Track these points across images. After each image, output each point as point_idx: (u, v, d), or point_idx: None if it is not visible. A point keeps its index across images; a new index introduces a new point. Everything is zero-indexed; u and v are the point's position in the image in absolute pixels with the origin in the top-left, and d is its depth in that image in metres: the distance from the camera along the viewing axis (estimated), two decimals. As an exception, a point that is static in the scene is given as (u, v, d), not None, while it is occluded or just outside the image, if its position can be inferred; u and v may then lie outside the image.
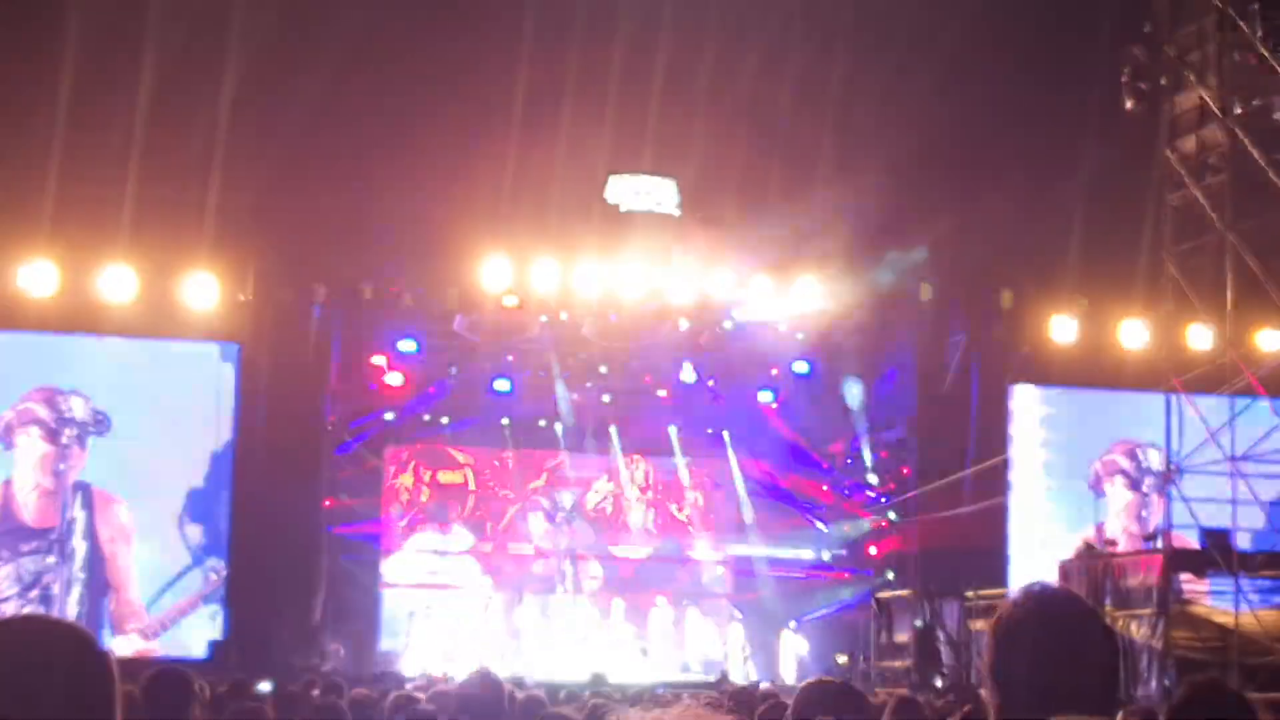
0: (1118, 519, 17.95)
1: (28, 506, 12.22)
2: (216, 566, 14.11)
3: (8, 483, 12.87)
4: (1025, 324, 17.85)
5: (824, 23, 15.58)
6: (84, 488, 12.99)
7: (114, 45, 15.11)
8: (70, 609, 11.98)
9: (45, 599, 11.92)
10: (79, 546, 12.01)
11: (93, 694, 2.06)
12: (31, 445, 12.81)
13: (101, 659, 2.13)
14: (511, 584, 20.07)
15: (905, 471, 18.76)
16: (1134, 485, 17.97)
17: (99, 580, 12.34)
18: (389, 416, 19.80)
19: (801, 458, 20.25)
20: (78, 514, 12.27)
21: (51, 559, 11.97)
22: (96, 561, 12.28)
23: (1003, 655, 2.35)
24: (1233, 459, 14.21)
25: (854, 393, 19.20)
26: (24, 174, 15.36)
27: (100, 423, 13.53)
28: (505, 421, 20.47)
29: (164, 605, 13.54)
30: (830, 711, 3.64)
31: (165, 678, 4.94)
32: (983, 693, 2.43)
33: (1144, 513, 17.68)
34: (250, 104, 15.79)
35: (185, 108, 15.50)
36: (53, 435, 12.79)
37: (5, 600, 11.64)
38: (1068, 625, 2.35)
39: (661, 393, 20.55)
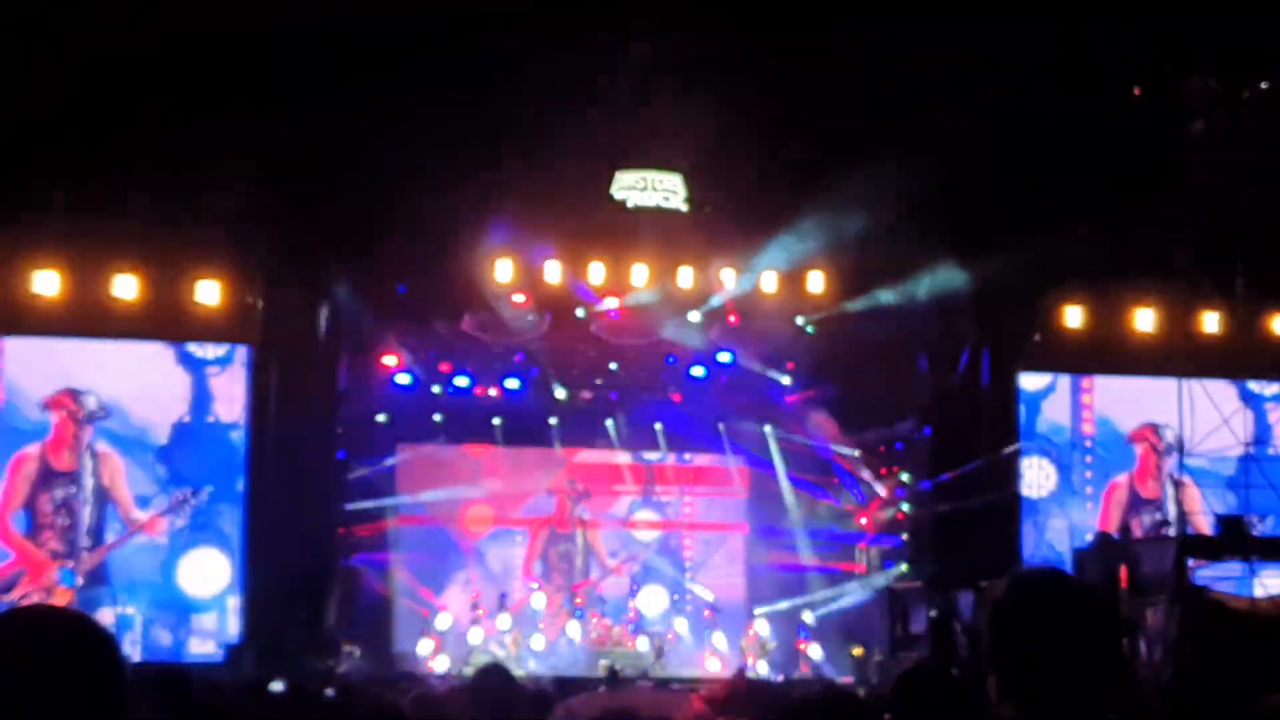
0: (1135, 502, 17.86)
1: (57, 459, 16.33)
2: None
3: (44, 443, 16.32)
4: (1035, 311, 17.79)
5: (832, 13, 15.52)
6: (92, 446, 16.45)
7: (118, 49, 15.13)
8: (86, 517, 16.27)
9: (71, 512, 16.24)
10: (89, 481, 16.33)
11: (99, 685, 2.05)
12: (60, 421, 16.37)
13: (109, 648, 2.11)
14: (527, 581, 20.06)
15: (917, 461, 18.71)
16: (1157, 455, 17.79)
17: (103, 497, 16.43)
18: (400, 416, 19.81)
19: (814, 451, 20.20)
20: (88, 462, 16.36)
21: (73, 488, 16.32)
22: (101, 487, 16.45)
23: (997, 640, 2.37)
24: (1246, 444, 14.18)
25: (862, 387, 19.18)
26: (32, 180, 15.42)
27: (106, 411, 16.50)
28: (502, 420, 20.44)
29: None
30: (928, 699, 3.67)
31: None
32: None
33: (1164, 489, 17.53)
34: (256, 105, 15.79)
35: (190, 109, 15.50)
36: (74, 416, 16.38)
37: (45, 516, 16.23)
38: (1057, 605, 2.37)
39: (672, 389, 20.53)
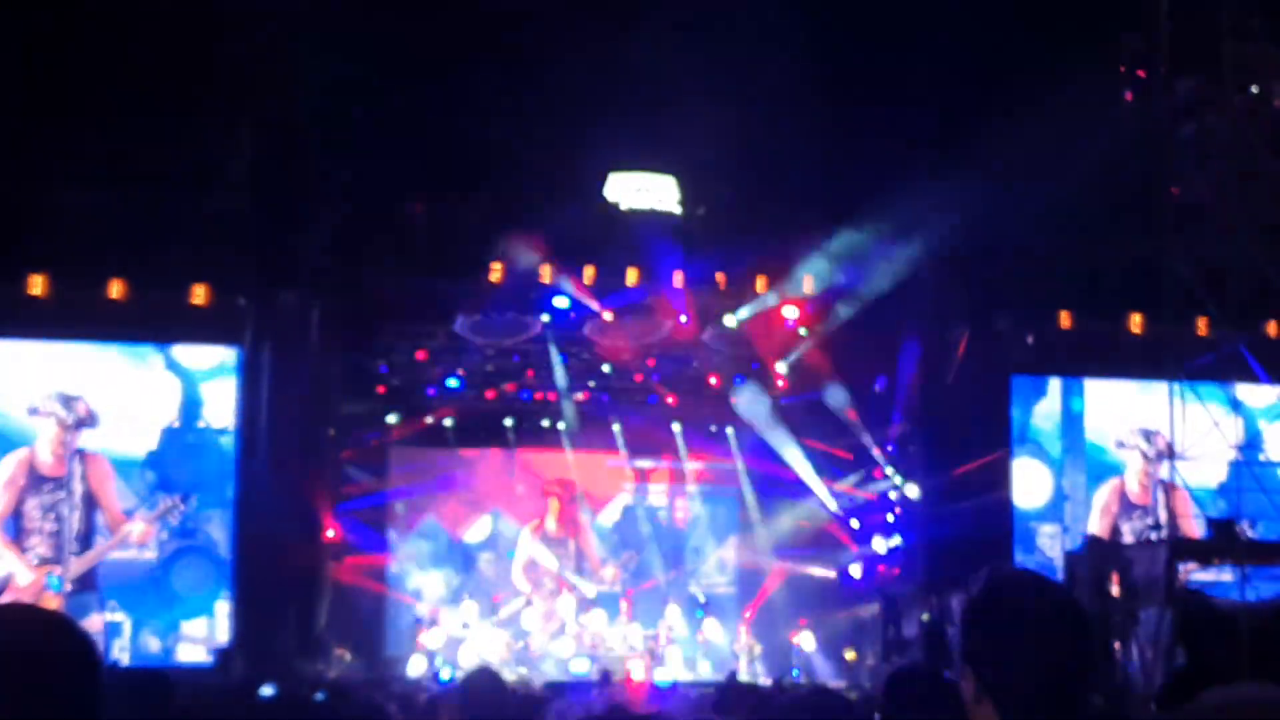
0: (1125, 506, 17.87)
1: (45, 464, 16.21)
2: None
3: (32, 448, 16.21)
4: (1028, 314, 17.80)
5: (827, 13, 15.54)
6: (80, 452, 16.33)
7: (115, 50, 15.10)
8: (75, 522, 16.14)
9: (59, 518, 16.13)
10: (78, 486, 16.21)
11: (77, 684, 2.03)
12: (48, 427, 16.26)
13: (85, 647, 2.10)
14: (519, 583, 20.01)
15: (909, 465, 18.70)
16: (1147, 462, 17.84)
17: (91, 503, 16.33)
18: (392, 419, 19.79)
19: (806, 453, 20.19)
20: (76, 467, 16.22)
21: (61, 493, 16.18)
22: (89, 493, 16.37)
23: (974, 640, 2.36)
24: (1238, 448, 14.18)
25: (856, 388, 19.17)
26: (24, 181, 15.37)
27: (91, 416, 16.39)
28: (508, 422, 20.46)
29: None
30: (918, 699, 3.66)
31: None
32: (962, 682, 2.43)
33: (1155, 493, 17.55)
34: (250, 105, 15.77)
35: (187, 110, 15.48)
36: (62, 423, 16.32)
37: (33, 522, 16.13)
38: (1030, 605, 2.37)
39: (666, 392, 20.52)
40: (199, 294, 16.37)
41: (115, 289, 16.10)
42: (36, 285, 15.91)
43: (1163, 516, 15.16)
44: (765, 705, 6.73)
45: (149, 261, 16.08)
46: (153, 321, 16.33)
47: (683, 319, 18.19)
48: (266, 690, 10.93)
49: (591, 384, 20.23)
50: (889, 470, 19.04)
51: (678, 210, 17.66)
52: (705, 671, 18.96)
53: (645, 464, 21.27)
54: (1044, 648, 2.31)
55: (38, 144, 15.38)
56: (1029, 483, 18.00)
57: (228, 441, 16.69)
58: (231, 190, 15.75)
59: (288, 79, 15.45)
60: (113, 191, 15.56)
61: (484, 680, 5.69)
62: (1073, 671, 2.32)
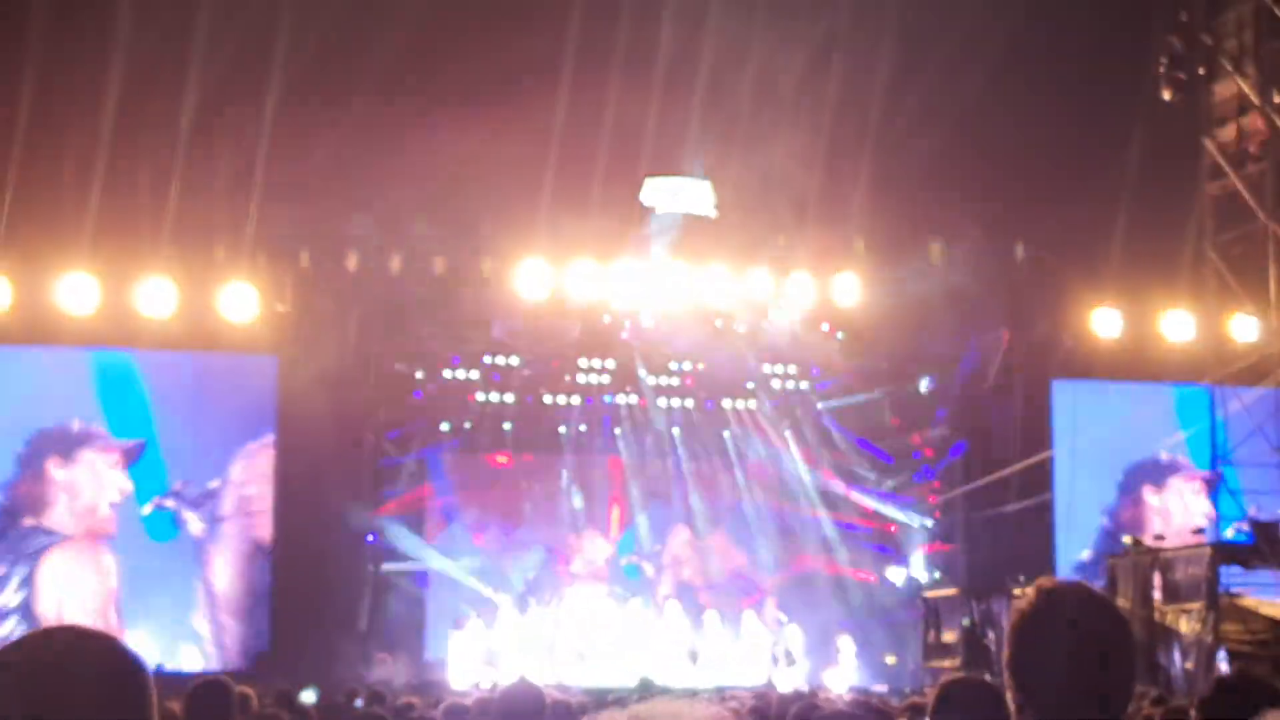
0: (1168, 510, 17.75)
1: None
2: None
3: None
4: (1068, 318, 17.68)
5: (862, 20, 15.52)
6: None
7: (155, 61, 15.22)
8: None
9: None
10: None
11: (129, 707, 2.05)
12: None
13: (138, 672, 2.12)
14: (560, 588, 20.03)
15: (950, 469, 18.62)
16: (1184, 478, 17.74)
17: None
18: (428, 424, 19.82)
19: (844, 457, 20.13)
20: None
21: None
22: None
23: (1020, 652, 2.37)
24: (1280, 450, 14.06)
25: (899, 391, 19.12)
26: (64, 188, 15.50)
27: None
28: (532, 427, 20.44)
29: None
30: (969, 709, 3.67)
31: (207, 688, 4.97)
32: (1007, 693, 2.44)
33: (1192, 504, 17.45)
34: (289, 119, 15.87)
35: (225, 122, 15.58)
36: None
37: None
38: (1083, 620, 2.37)
39: (702, 395, 20.49)
40: (239, 301, 16.42)
41: (157, 296, 16.15)
42: (78, 293, 15.98)
43: (1204, 519, 15.07)
44: (810, 711, 6.71)
45: (190, 269, 16.17)
46: (193, 329, 16.40)
47: (719, 323, 18.19)
48: (308, 696, 10.97)
49: (628, 388, 20.21)
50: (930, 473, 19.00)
51: (712, 214, 17.65)
52: (744, 675, 18.90)
53: (684, 467, 21.21)
54: (1088, 663, 2.32)
55: (80, 151, 15.51)
56: (1069, 485, 17.87)
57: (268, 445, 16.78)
58: (273, 199, 15.84)
59: (332, 91, 15.56)
60: (155, 199, 15.67)
61: (525, 690, 5.71)
62: (1115, 686, 2.33)
